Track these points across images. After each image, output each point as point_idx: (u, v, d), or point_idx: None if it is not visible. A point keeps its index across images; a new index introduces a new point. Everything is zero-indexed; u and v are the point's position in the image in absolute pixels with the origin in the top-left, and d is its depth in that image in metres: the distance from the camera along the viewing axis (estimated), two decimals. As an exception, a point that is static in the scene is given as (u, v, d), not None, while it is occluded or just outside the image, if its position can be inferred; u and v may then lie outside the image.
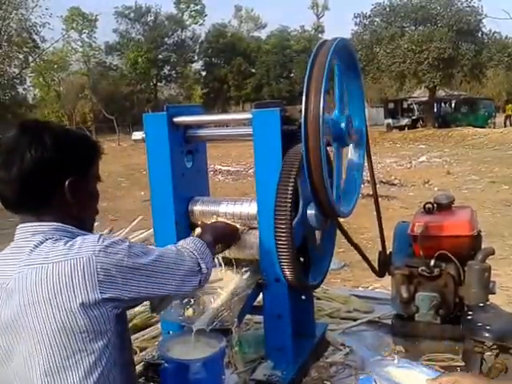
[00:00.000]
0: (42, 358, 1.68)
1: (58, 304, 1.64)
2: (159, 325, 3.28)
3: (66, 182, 1.79)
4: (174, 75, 64.75)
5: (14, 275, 1.72)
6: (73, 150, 1.83)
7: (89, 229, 1.97)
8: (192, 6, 64.70)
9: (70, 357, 1.68)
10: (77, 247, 1.70)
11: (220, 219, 2.80)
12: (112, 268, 1.69)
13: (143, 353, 3.13)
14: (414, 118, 44.82)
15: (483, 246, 3.15)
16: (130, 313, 3.34)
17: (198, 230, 2.52)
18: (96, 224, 2.10)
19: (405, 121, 44.30)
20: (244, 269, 2.78)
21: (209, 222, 2.73)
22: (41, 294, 1.65)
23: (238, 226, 2.76)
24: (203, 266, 2.00)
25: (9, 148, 1.77)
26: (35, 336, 1.68)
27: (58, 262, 1.66)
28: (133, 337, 3.27)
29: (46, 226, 1.79)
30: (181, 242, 2.10)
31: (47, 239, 1.75)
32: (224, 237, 2.59)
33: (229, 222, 2.76)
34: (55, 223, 1.80)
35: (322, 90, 2.27)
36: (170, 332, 2.79)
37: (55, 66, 55.14)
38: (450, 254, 3.04)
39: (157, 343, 3.19)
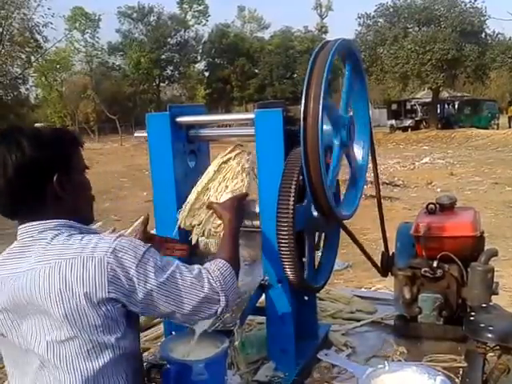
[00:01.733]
0: (58, 348, 1.76)
1: (69, 296, 1.70)
2: (161, 325, 3.28)
3: (54, 178, 1.83)
4: (177, 75, 64.77)
5: (25, 271, 1.77)
6: (50, 147, 1.85)
7: (89, 218, 2.04)
8: (195, 6, 64.73)
9: (83, 347, 1.76)
10: (92, 246, 1.75)
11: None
12: (120, 272, 1.73)
13: (145, 354, 3.13)
14: (417, 119, 44.77)
15: (486, 247, 3.14)
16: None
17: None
18: (99, 224, 2.12)
19: (408, 122, 44.26)
20: (246, 269, 2.78)
21: (220, 205, 2.51)
22: (54, 287, 1.71)
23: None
24: (222, 298, 1.92)
25: None
26: (51, 326, 1.76)
27: (72, 258, 1.72)
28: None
29: (52, 222, 1.83)
30: (207, 265, 2.02)
31: (58, 235, 1.81)
32: (241, 214, 2.51)
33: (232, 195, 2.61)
34: (57, 220, 1.84)
35: (322, 92, 2.27)
36: (173, 333, 2.79)
37: (58, 66, 55.20)
38: (452, 255, 3.04)
39: (159, 344, 3.19)
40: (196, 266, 1.97)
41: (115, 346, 1.80)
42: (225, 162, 2.73)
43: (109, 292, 1.71)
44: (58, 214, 1.85)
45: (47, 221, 1.83)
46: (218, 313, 1.93)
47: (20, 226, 1.87)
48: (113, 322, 1.78)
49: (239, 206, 2.49)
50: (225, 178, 2.69)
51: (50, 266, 1.72)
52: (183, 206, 2.73)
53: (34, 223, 1.84)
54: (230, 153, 2.75)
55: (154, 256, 1.84)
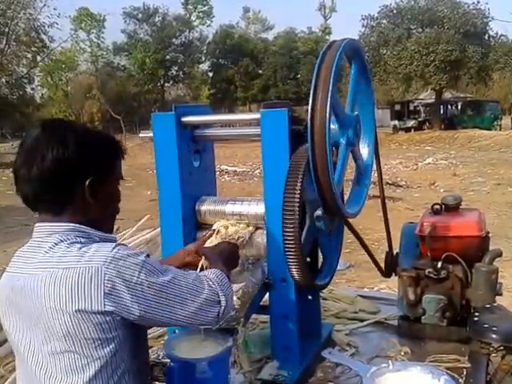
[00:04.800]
0: (49, 360, 1.72)
1: (63, 309, 1.65)
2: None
3: (86, 183, 1.78)
4: (182, 76, 64.81)
5: (25, 275, 1.74)
6: (94, 150, 1.82)
7: (109, 229, 1.96)
8: (199, 7, 64.78)
9: (76, 361, 1.70)
10: (89, 255, 1.69)
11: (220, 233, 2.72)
12: (120, 282, 1.66)
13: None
14: (420, 119, 44.89)
15: (490, 248, 3.14)
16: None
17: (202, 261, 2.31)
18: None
19: (411, 122, 44.35)
20: (251, 268, 2.78)
21: (211, 246, 2.50)
22: (48, 298, 1.67)
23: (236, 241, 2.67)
24: (222, 298, 1.89)
25: (31, 147, 1.76)
26: (44, 337, 1.72)
27: (68, 268, 1.66)
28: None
29: (62, 226, 1.78)
30: (202, 272, 2.03)
31: (62, 241, 1.75)
32: (233, 262, 2.40)
33: (227, 240, 2.63)
34: (71, 224, 1.79)
35: (330, 91, 2.27)
36: (176, 331, 2.79)
37: (63, 66, 55.33)
38: (457, 256, 3.04)
39: (162, 342, 3.19)
40: (192, 272, 1.98)
41: (109, 361, 1.73)
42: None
43: (105, 305, 1.65)
44: (75, 219, 1.80)
45: (59, 224, 1.79)
46: (220, 314, 1.88)
47: (36, 224, 1.83)
48: (108, 335, 1.70)
49: (234, 252, 2.46)
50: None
51: (47, 274, 1.68)
52: None
53: (47, 224, 1.80)
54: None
55: (154, 262, 1.78)
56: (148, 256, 1.78)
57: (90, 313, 1.65)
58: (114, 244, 1.75)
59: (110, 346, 1.72)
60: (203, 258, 2.28)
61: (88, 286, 1.63)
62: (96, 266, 1.65)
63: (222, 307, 1.88)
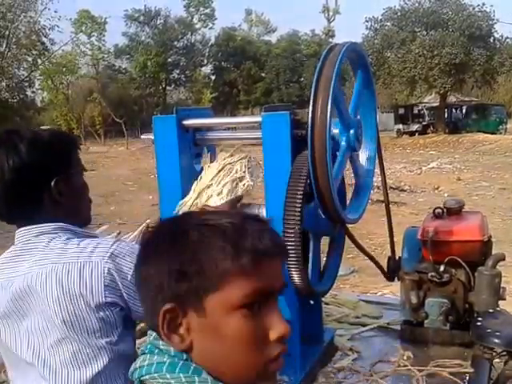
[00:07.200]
0: (53, 353, 1.71)
1: (68, 302, 1.67)
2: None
3: (52, 184, 1.79)
4: (184, 79, 64.83)
5: (21, 275, 1.73)
6: (49, 151, 1.81)
7: (86, 220, 1.99)
8: (202, 9, 64.74)
9: (80, 351, 1.70)
10: (89, 250, 1.72)
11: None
12: (117, 278, 1.71)
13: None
14: (424, 123, 44.70)
15: (493, 252, 3.12)
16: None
17: None
18: (104, 227, 2.10)
19: (415, 126, 44.19)
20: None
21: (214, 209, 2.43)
22: (51, 292, 1.68)
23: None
24: None
25: None
26: (47, 328, 1.71)
27: (68, 263, 1.69)
28: (138, 341, 3.24)
29: (47, 226, 1.80)
30: None
31: (53, 238, 1.77)
32: None
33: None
34: (54, 223, 1.80)
35: (330, 97, 2.26)
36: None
37: (64, 69, 55.22)
38: (460, 260, 3.02)
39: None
40: None
41: (113, 349, 1.76)
42: (226, 166, 2.71)
43: (105, 296, 1.69)
44: (55, 217, 1.82)
45: (44, 224, 1.80)
46: None
47: (17, 230, 1.84)
48: (111, 325, 1.74)
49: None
50: (221, 182, 2.66)
51: (47, 269, 1.70)
52: (178, 206, 2.72)
53: (32, 227, 1.80)
54: (230, 157, 2.73)
55: None
56: None
57: (93, 304, 1.68)
58: (112, 241, 1.81)
59: (113, 336, 1.75)
60: None
61: (89, 278, 1.67)
62: (96, 260, 1.69)
63: None
